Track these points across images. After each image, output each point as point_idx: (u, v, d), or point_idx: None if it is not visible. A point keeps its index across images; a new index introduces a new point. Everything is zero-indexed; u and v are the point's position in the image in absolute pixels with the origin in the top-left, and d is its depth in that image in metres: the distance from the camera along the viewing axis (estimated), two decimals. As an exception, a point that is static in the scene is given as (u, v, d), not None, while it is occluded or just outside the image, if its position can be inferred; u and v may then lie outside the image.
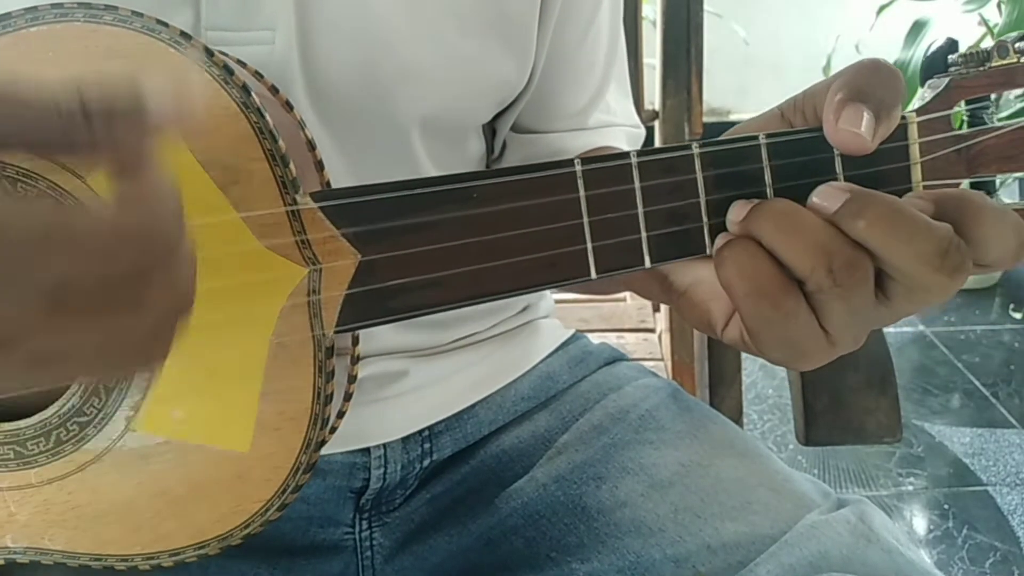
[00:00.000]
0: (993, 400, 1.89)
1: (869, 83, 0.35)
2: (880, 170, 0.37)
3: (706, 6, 1.05)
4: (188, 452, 0.36)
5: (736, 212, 0.36)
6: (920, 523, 1.54)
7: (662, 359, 1.05)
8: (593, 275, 0.36)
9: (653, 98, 1.07)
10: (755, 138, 0.36)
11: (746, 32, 2.73)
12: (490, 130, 0.58)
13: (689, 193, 0.36)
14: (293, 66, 0.43)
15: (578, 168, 0.35)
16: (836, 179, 0.37)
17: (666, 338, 1.05)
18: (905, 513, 1.57)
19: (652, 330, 1.11)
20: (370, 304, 0.35)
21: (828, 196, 0.34)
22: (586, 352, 0.64)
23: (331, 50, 0.44)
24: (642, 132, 0.65)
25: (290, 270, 0.34)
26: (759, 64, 3.16)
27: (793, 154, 0.36)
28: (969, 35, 2.04)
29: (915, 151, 0.37)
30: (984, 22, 2.00)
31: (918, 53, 1.92)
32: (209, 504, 0.36)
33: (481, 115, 0.53)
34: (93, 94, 0.25)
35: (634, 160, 0.36)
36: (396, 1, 0.45)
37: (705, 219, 0.36)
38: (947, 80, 0.38)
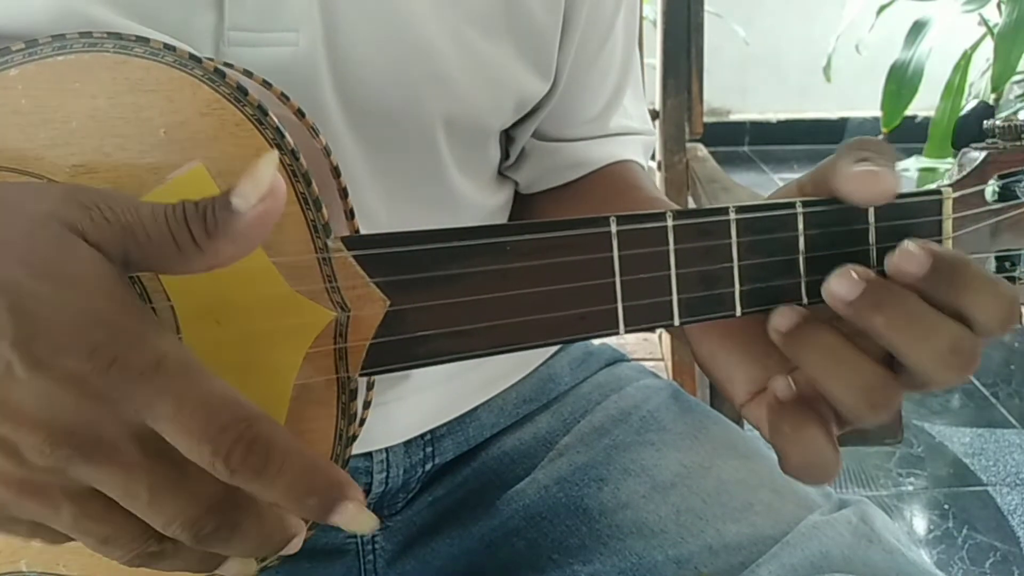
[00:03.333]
0: (993, 400, 1.89)
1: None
2: None
3: (706, 6, 1.05)
4: None
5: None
6: (920, 523, 1.54)
7: (662, 359, 1.05)
8: (621, 331, 0.37)
9: (653, 98, 1.07)
10: (792, 205, 0.37)
11: (746, 32, 2.73)
12: (505, 137, 0.58)
13: (723, 257, 0.37)
14: (318, 67, 0.43)
15: (613, 228, 0.35)
16: (869, 250, 0.37)
17: (666, 338, 1.05)
18: (905, 513, 1.57)
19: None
20: (396, 350, 0.35)
21: (846, 283, 0.35)
22: (587, 353, 0.64)
23: (356, 50, 0.44)
24: (654, 139, 0.65)
25: (318, 315, 0.34)
26: (759, 64, 3.16)
27: (828, 224, 0.37)
28: (969, 35, 2.04)
29: (948, 227, 0.38)
30: (984, 22, 2.00)
31: (918, 53, 1.92)
32: None
33: (502, 119, 0.53)
34: (190, 206, 0.28)
35: (670, 223, 0.36)
36: (421, 2, 0.45)
37: (737, 284, 0.37)
38: (984, 155, 0.38)
